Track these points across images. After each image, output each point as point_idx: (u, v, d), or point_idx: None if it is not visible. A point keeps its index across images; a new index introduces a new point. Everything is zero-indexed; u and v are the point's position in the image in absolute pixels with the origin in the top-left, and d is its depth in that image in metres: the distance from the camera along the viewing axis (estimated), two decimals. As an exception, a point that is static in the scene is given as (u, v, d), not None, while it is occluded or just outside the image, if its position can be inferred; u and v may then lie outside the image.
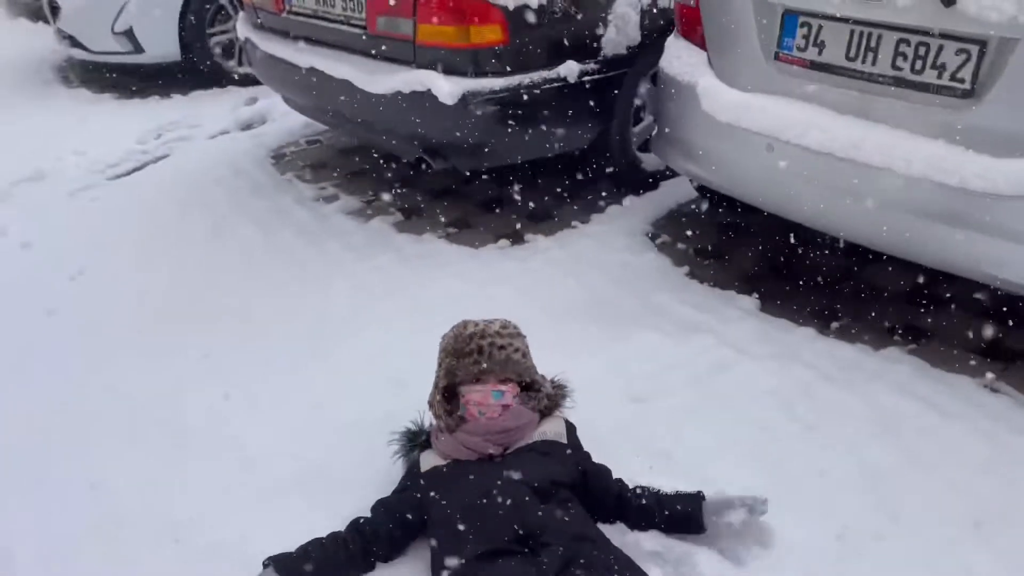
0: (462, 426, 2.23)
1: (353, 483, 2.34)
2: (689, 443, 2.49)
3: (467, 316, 3.20)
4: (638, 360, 2.86)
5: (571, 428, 2.32)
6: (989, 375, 2.80)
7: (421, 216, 4.16)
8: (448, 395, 2.31)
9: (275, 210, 4.22)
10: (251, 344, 3.04)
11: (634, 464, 2.38)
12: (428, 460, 2.23)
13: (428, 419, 2.36)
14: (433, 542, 2.05)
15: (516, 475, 2.07)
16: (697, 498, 2.11)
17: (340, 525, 2.14)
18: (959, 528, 2.14)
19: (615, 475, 2.23)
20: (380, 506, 2.15)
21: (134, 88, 6.59)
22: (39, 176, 4.81)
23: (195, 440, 2.58)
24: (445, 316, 3.14)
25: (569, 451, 2.21)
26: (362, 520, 2.12)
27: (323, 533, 2.10)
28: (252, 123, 5.62)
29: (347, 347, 2.99)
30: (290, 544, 2.06)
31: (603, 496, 2.16)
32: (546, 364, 2.81)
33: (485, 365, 2.24)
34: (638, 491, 2.17)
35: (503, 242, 3.83)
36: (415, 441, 2.30)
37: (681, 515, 2.10)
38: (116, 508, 2.32)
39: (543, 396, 2.32)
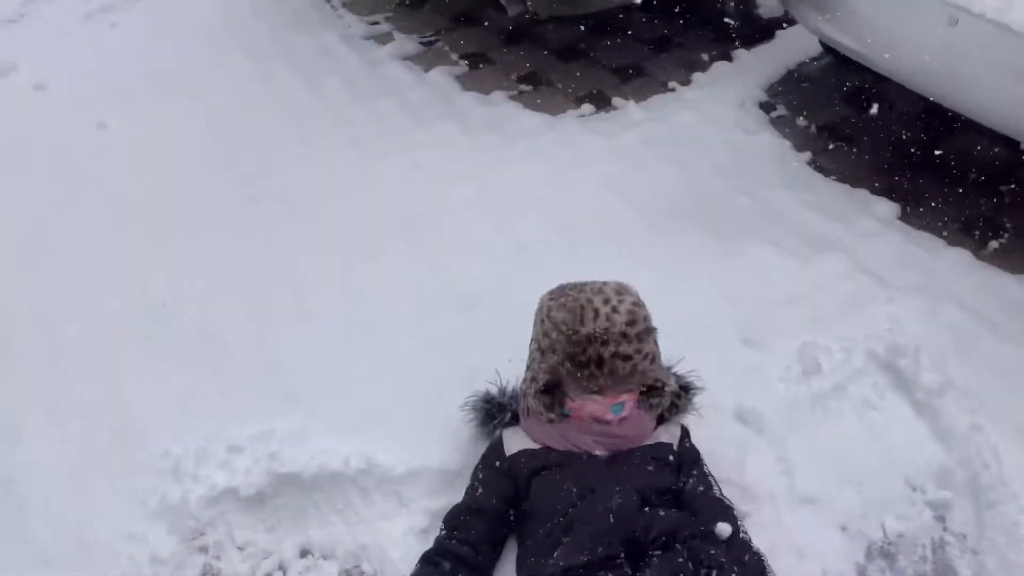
0: (565, 421, 1.77)
1: (412, 430, 1.99)
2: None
3: (542, 211, 2.74)
4: (753, 287, 2.36)
5: (685, 432, 1.88)
6: None
7: (489, 65, 3.53)
8: (550, 388, 1.77)
9: (320, 51, 3.61)
10: (292, 236, 2.60)
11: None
12: (514, 440, 1.82)
13: (510, 382, 1.93)
14: (526, 541, 1.71)
15: (625, 480, 1.69)
16: None
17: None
18: None
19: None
20: (464, 513, 1.75)
21: None
22: (52, -10, 4.19)
23: (232, 360, 2.22)
24: (518, 210, 2.69)
25: (674, 458, 1.79)
26: (449, 539, 1.71)
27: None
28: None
29: (402, 248, 2.54)
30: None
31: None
32: (641, 284, 2.36)
33: (606, 381, 1.70)
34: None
35: (586, 107, 3.23)
36: (496, 418, 1.87)
37: None
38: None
39: (666, 398, 1.82)
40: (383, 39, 3.68)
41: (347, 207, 2.71)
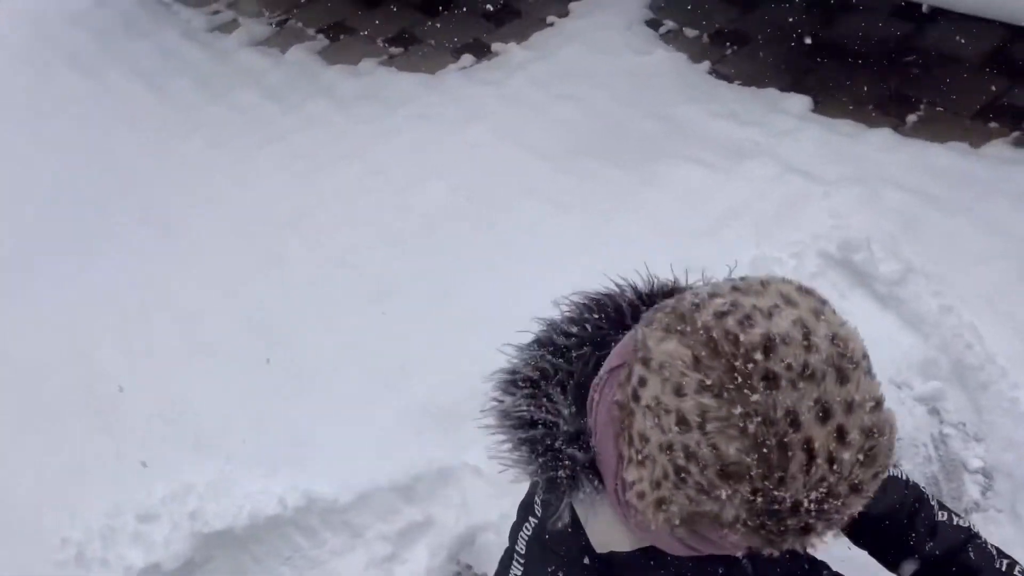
0: None
1: (346, 450, 1.74)
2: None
3: (442, 177, 2.47)
4: (681, 211, 2.19)
5: None
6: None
7: (351, 35, 3.22)
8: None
9: (160, 52, 3.23)
10: (164, 259, 2.27)
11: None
12: (600, 526, 0.97)
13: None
14: None
15: None
16: None
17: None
18: None
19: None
20: None
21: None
22: None
23: (124, 413, 1.91)
24: (416, 180, 2.42)
25: None
26: None
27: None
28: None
29: (297, 245, 2.26)
30: None
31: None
32: (561, 235, 2.16)
33: (795, 546, 0.82)
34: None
35: (466, 59, 2.97)
36: (562, 482, 0.90)
37: None
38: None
39: None
40: (228, 28, 3.32)
41: (222, 213, 2.40)
